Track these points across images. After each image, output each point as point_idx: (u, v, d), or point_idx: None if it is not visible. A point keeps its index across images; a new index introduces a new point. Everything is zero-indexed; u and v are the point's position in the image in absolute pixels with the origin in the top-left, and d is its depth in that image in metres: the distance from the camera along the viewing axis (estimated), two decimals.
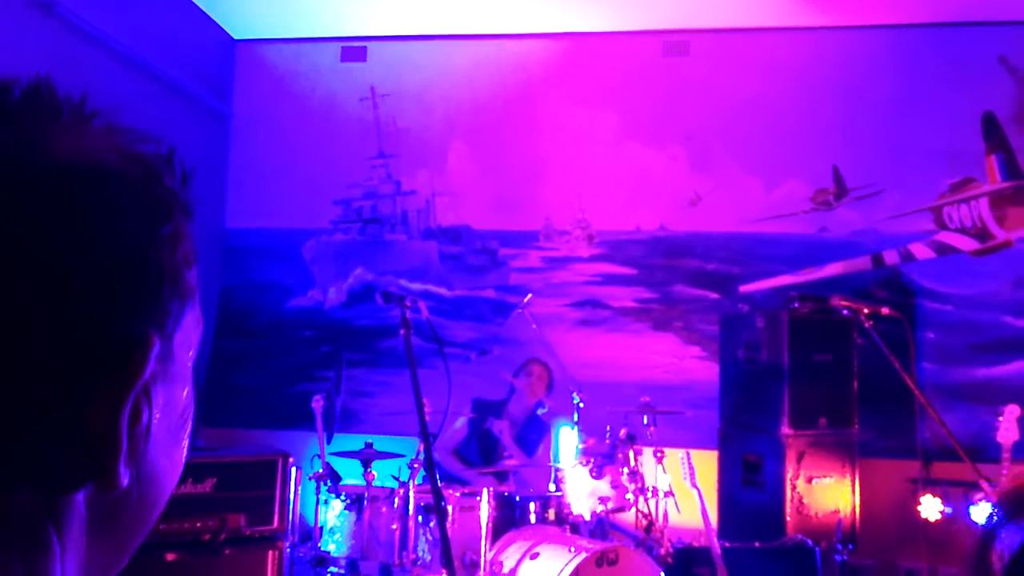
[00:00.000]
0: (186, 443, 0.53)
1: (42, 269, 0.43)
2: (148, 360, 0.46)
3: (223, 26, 5.86)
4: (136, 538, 0.51)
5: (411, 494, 3.35)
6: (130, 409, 0.45)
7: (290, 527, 3.48)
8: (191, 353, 0.52)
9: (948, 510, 4.34)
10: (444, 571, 2.91)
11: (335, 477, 3.63)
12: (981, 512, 3.75)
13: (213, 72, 5.86)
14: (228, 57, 6.02)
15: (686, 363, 5.40)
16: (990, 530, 0.92)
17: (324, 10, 5.57)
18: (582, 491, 3.66)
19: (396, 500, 3.43)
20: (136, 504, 0.49)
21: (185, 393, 0.52)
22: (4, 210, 0.43)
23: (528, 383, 4.44)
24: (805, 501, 4.26)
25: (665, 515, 3.76)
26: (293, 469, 3.52)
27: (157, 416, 0.48)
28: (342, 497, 3.58)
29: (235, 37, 6.02)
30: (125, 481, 0.46)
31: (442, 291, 5.70)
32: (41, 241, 0.43)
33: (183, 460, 0.53)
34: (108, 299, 0.45)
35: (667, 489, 3.79)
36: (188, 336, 0.51)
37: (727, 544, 3.75)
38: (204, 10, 5.61)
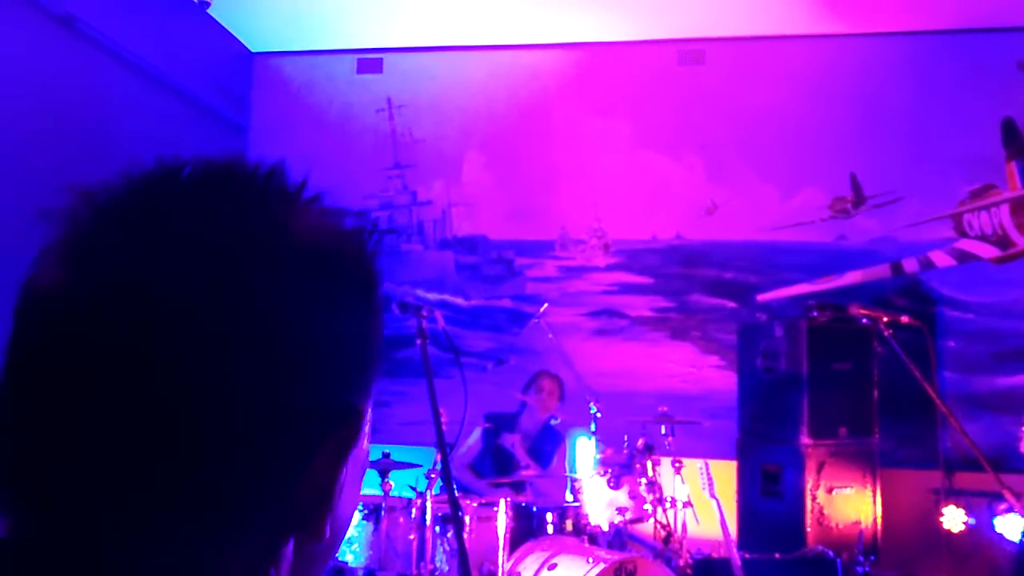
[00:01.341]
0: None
1: (283, 345, 0.45)
2: (362, 428, 0.50)
3: (241, 39, 5.92)
4: (322, 572, 0.55)
5: (428, 504, 3.35)
6: (336, 469, 0.49)
7: None
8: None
9: (971, 521, 4.28)
10: None
11: None
12: (1006, 524, 3.69)
13: (231, 84, 5.92)
14: (246, 70, 6.07)
15: (704, 372, 5.37)
16: None
17: (340, 23, 5.61)
18: (600, 501, 3.64)
19: (413, 510, 3.42)
20: (328, 545, 0.53)
21: (367, 444, 0.56)
22: (253, 287, 0.45)
23: (539, 398, 4.39)
24: (825, 512, 4.22)
25: (684, 526, 3.73)
26: None
27: (350, 470, 0.52)
28: (359, 507, 3.58)
29: (252, 50, 6.07)
30: (328, 533, 0.50)
31: (458, 301, 5.71)
32: (281, 320, 0.45)
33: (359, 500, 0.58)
34: (334, 373, 0.48)
35: (685, 499, 3.76)
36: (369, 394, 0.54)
37: (747, 555, 3.72)
38: (222, 23, 5.66)
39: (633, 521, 3.69)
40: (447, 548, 3.39)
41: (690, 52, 5.62)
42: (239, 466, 0.45)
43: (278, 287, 0.46)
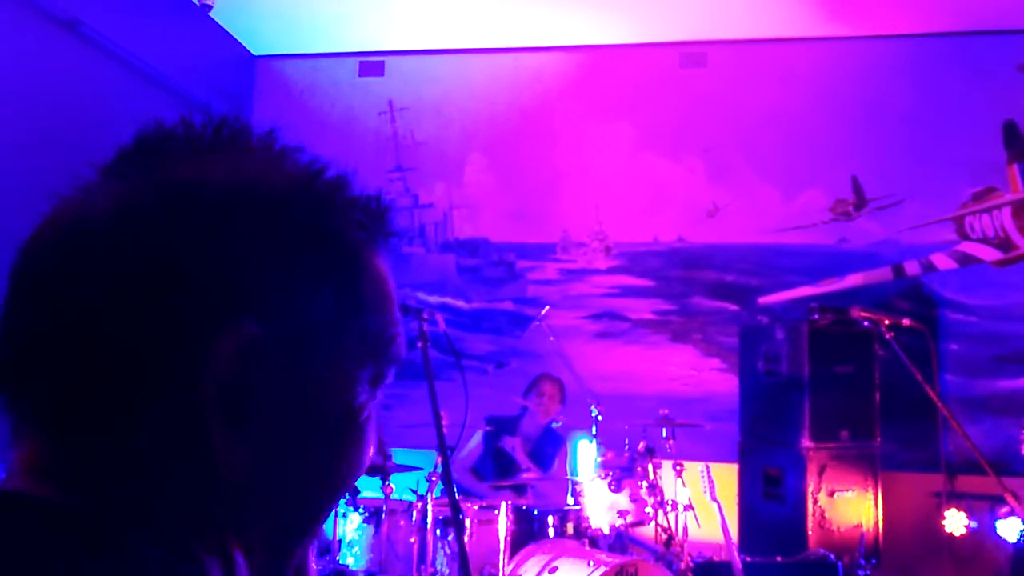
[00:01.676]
0: (344, 463, 0.55)
1: (180, 260, 0.49)
2: (238, 343, 0.49)
3: (242, 42, 5.93)
4: (280, 535, 0.54)
5: (429, 507, 3.35)
6: (227, 383, 0.48)
7: None
8: (351, 369, 0.54)
9: (973, 524, 4.27)
10: None
11: (353, 490, 3.63)
12: (1008, 527, 3.69)
13: (233, 88, 5.92)
14: (247, 73, 6.08)
15: (705, 375, 5.36)
16: None
17: (342, 26, 5.62)
18: (601, 505, 3.64)
19: (414, 513, 3.42)
20: (262, 495, 0.51)
21: (330, 403, 0.53)
22: (161, 219, 0.49)
23: (540, 403, 4.39)
24: (827, 515, 4.21)
25: (685, 529, 3.73)
26: None
27: (275, 408, 0.50)
28: (360, 510, 3.58)
29: (254, 53, 6.08)
30: (230, 453, 0.49)
31: (459, 304, 5.71)
32: (183, 245, 0.49)
33: (343, 475, 0.55)
34: (214, 292, 0.49)
35: (687, 503, 3.76)
36: (338, 354, 0.53)
37: (748, 558, 3.71)
38: (224, 27, 5.67)
39: (634, 524, 3.69)
40: (448, 551, 3.39)
41: (692, 55, 5.63)
42: (137, 378, 0.48)
43: (187, 221, 0.49)
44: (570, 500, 3.72)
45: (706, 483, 3.71)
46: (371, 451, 0.58)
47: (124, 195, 0.51)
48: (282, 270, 0.51)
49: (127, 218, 0.50)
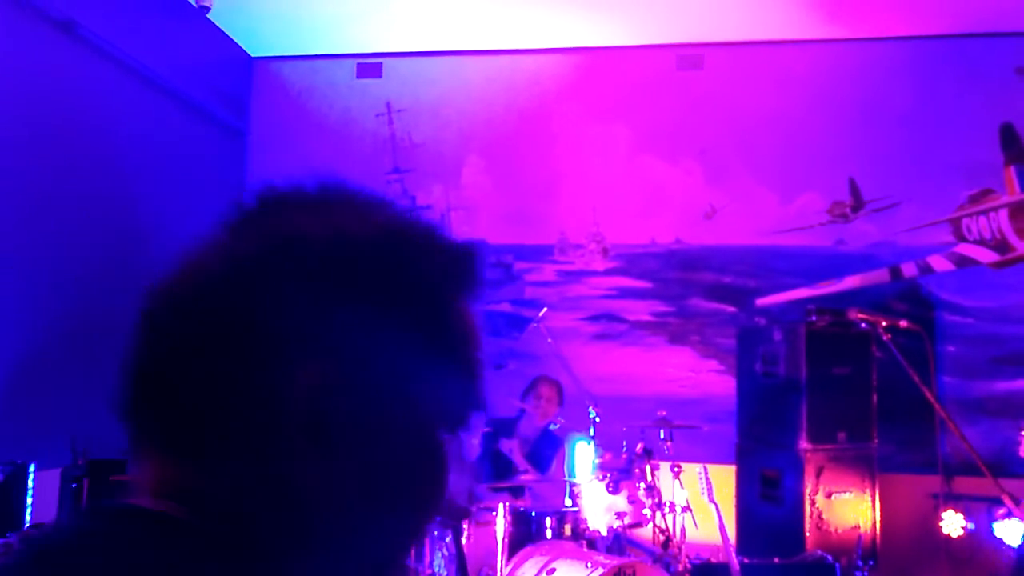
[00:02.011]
0: (422, 498, 0.59)
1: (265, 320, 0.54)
2: (301, 363, 0.53)
3: (240, 44, 5.92)
4: (366, 566, 0.57)
5: None
6: (307, 416, 0.53)
7: None
8: (432, 409, 0.58)
9: (970, 526, 4.28)
10: None
11: None
12: (1005, 528, 3.69)
13: (230, 89, 5.92)
14: (245, 74, 6.08)
15: (703, 377, 5.37)
16: None
17: (340, 27, 5.62)
18: (599, 506, 3.64)
19: None
20: (347, 524, 0.55)
21: (408, 440, 0.57)
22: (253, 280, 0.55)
23: (538, 405, 4.40)
24: (824, 516, 4.22)
25: (683, 530, 3.73)
26: None
27: (355, 440, 0.54)
28: None
29: (252, 55, 6.08)
30: (313, 481, 0.53)
31: None
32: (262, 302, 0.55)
33: (421, 510, 0.59)
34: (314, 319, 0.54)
35: (684, 504, 3.76)
36: (419, 393, 0.57)
37: (746, 560, 3.71)
38: (221, 28, 5.67)
39: (632, 526, 3.69)
40: (446, 553, 3.38)
41: (689, 57, 5.63)
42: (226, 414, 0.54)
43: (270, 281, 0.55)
44: (568, 502, 3.72)
45: (704, 484, 3.71)
46: (449, 489, 0.61)
47: (234, 250, 0.58)
48: (365, 313, 0.55)
49: (233, 270, 0.56)
